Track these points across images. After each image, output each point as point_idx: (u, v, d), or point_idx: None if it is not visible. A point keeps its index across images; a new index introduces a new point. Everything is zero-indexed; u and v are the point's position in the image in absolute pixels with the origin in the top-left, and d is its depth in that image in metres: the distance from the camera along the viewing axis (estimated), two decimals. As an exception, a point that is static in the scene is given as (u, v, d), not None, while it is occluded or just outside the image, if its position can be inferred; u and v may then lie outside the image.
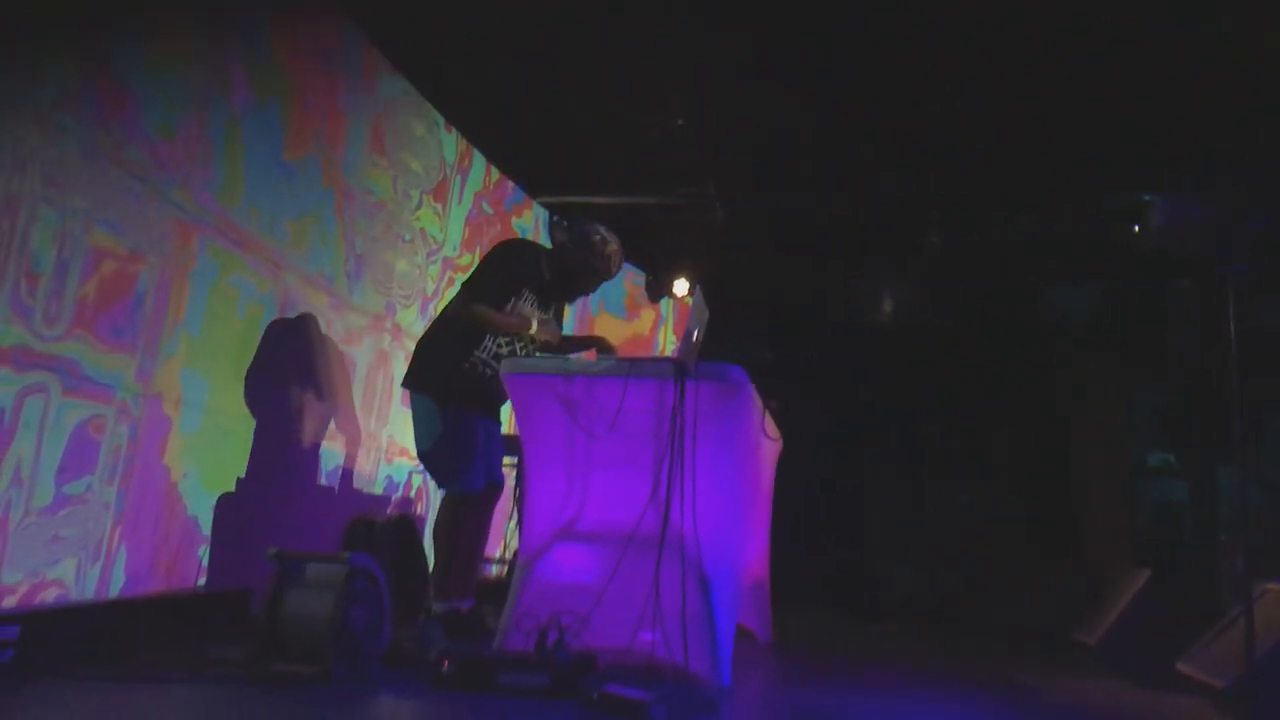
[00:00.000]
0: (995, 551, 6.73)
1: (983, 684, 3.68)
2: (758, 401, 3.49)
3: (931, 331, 7.01)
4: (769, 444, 4.02)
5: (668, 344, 7.38)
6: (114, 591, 2.92)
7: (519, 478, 4.10)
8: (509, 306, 3.54)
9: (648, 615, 2.97)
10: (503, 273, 3.54)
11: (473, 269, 3.70)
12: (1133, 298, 6.35)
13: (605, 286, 3.86)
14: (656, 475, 3.07)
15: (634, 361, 3.19)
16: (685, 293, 6.89)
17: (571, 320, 6.11)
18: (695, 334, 3.31)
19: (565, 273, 3.67)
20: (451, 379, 3.46)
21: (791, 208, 6.16)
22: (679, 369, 3.05)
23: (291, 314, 3.78)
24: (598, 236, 3.63)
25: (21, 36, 2.43)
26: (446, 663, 2.67)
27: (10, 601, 2.54)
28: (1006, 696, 3.42)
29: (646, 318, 7.26)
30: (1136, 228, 5.31)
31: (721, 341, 7.02)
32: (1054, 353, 7.00)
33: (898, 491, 7.15)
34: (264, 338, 3.62)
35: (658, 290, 7.13)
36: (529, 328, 3.50)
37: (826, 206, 6.03)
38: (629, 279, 7.05)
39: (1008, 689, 3.61)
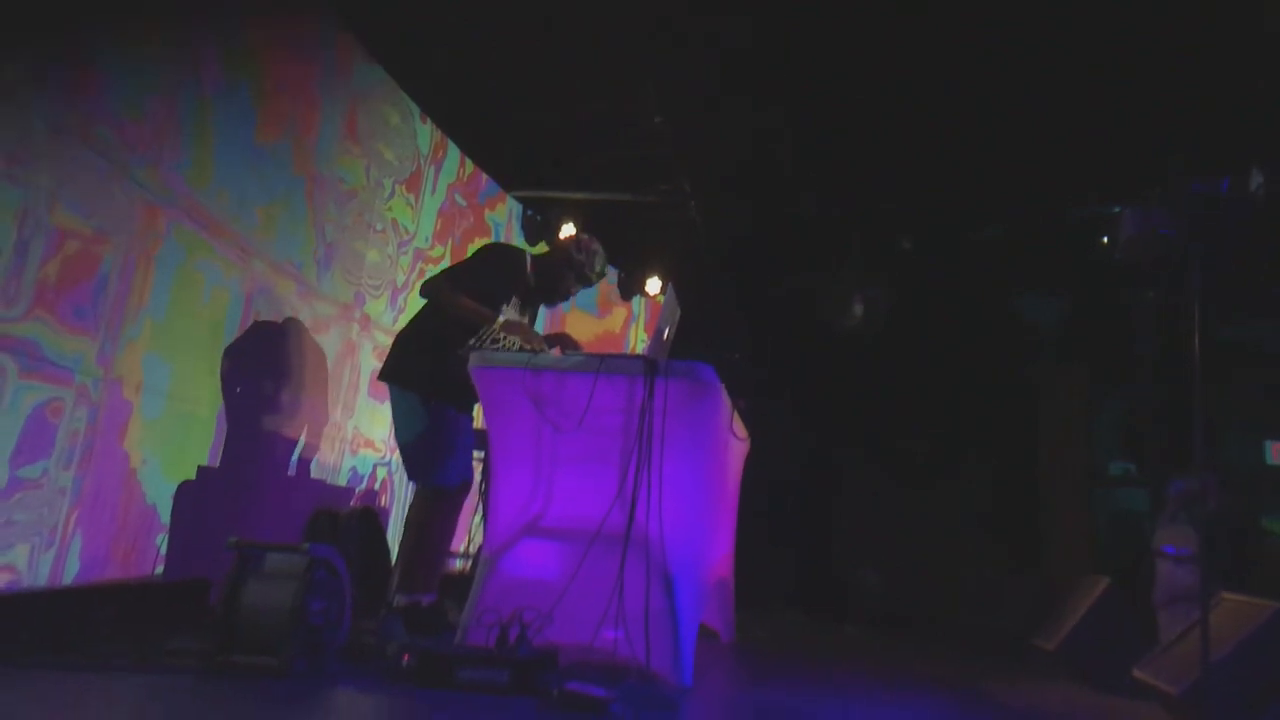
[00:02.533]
0: (962, 556, 6.80)
1: (943, 686, 3.72)
2: (727, 401, 3.49)
3: (903, 336, 7.07)
4: (737, 444, 4.03)
5: (638, 342, 7.38)
6: (68, 579, 2.86)
7: (485, 472, 4.08)
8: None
9: (611, 613, 2.96)
10: (500, 280, 3.56)
11: (465, 267, 3.67)
12: (1099, 307, 6.44)
13: None
14: (623, 473, 3.07)
15: (604, 358, 3.17)
16: (657, 291, 6.89)
17: (542, 316, 6.10)
18: (666, 332, 3.30)
19: (555, 279, 3.73)
20: (436, 375, 3.45)
21: (766, 208, 6.18)
22: (649, 366, 3.05)
23: (258, 301, 3.73)
24: (595, 247, 3.75)
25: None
26: (407, 657, 2.64)
27: (-41, 587, 2.49)
28: (965, 699, 3.46)
29: (618, 315, 7.25)
30: (1105, 239, 5.38)
31: (692, 340, 7.04)
32: (1023, 360, 7.09)
33: (867, 495, 7.20)
34: (229, 324, 3.57)
35: (630, 288, 7.12)
36: (495, 321, 3.47)
37: (801, 208, 6.06)
38: (602, 276, 7.03)
39: (967, 692, 3.65)
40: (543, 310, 4.07)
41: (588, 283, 3.83)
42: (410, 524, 3.56)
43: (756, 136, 5.29)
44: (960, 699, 3.46)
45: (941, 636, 5.70)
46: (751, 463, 4.59)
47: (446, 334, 3.48)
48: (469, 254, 3.82)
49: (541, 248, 6.07)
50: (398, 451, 3.75)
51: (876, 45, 4.41)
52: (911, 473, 7.20)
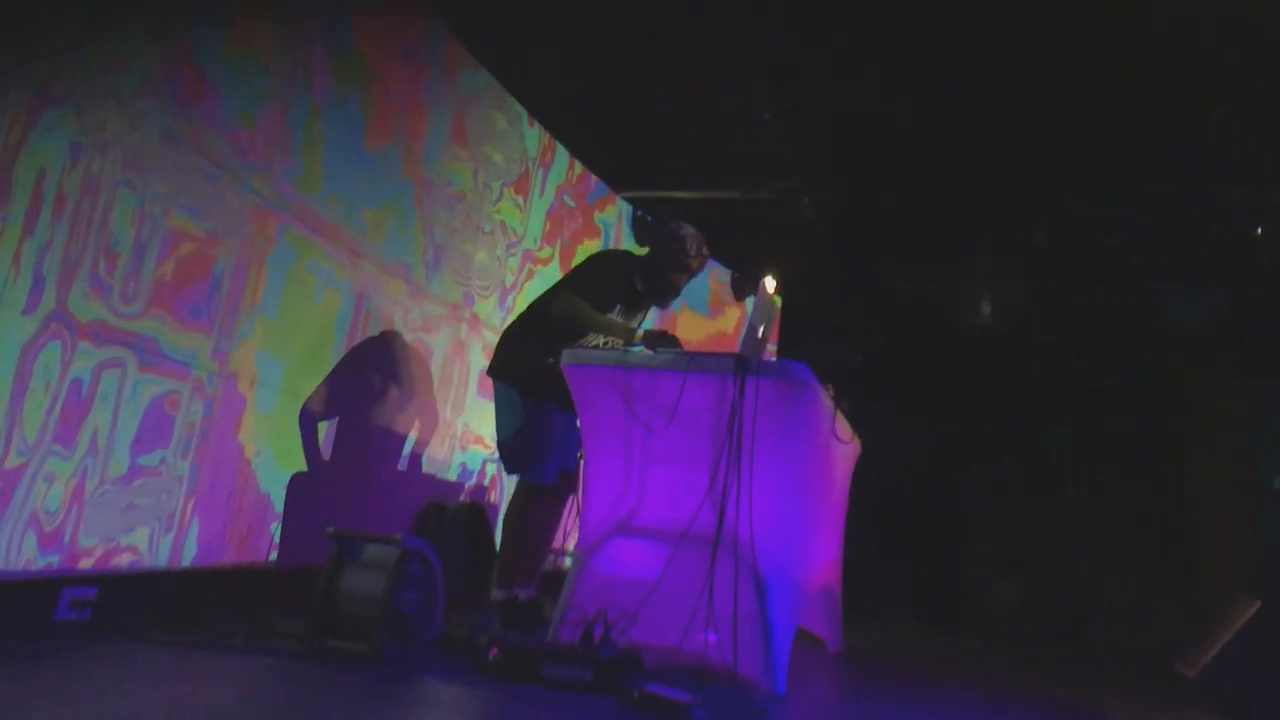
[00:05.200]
0: (1101, 570, 6.37)
1: (1066, 709, 3.47)
2: (826, 401, 3.37)
3: (1041, 333, 6.68)
4: (842, 446, 3.88)
5: (753, 343, 7.25)
6: (186, 561, 3.05)
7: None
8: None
9: (700, 615, 2.91)
10: (605, 283, 3.58)
11: (572, 273, 3.77)
12: (1259, 305, 5.88)
13: (688, 283, 3.84)
14: (714, 473, 3.01)
15: (694, 356, 3.13)
16: (772, 290, 6.74)
17: (652, 315, 6.09)
18: (761, 329, 3.22)
19: (658, 276, 3.69)
20: (536, 373, 3.50)
21: (882, 199, 5.96)
22: (739, 365, 2.98)
23: (368, 301, 3.88)
24: (684, 232, 3.66)
25: (105, 23, 2.55)
26: (494, 651, 2.67)
27: (86, 564, 2.68)
28: (1084, 725, 3.21)
29: (731, 316, 7.16)
30: (1260, 230, 4.91)
31: (809, 342, 6.86)
32: (1171, 363, 6.56)
33: (998, 502, 6.85)
34: (340, 323, 3.72)
35: (743, 288, 7.01)
36: (632, 336, 3.48)
37: (926, 202, 5.82)
38: (714, 276, 6.97)
39: (1092, 717, 3.39)
40: (654, 311, 4.06)
41: (690, 270, 3.72)
42: (507, 519, 3.64)
43: (877, 125, 5.11)
44: (1079, 724, 3.22)
45: (1073, 654, 5.34)
46: (870, 466, 4.42)
47: (550, 332, 3.52)
48: (576, 262, 3.85)
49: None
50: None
51: (1005, 24, 4.16)
52: (1048, 479, 6.79)
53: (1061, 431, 6.83)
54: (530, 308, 3.74)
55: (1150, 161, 4.98)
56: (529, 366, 3.52)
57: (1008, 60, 4.37)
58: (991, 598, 6.50)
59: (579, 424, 3.38)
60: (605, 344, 3.56)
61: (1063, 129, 4.82)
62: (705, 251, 3.73)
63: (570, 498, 3.78)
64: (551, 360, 3.47)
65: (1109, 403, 6.65)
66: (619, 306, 3.63)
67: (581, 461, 4.17)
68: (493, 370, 3.66)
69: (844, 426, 3.77)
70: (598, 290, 3.54)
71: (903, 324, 6.97)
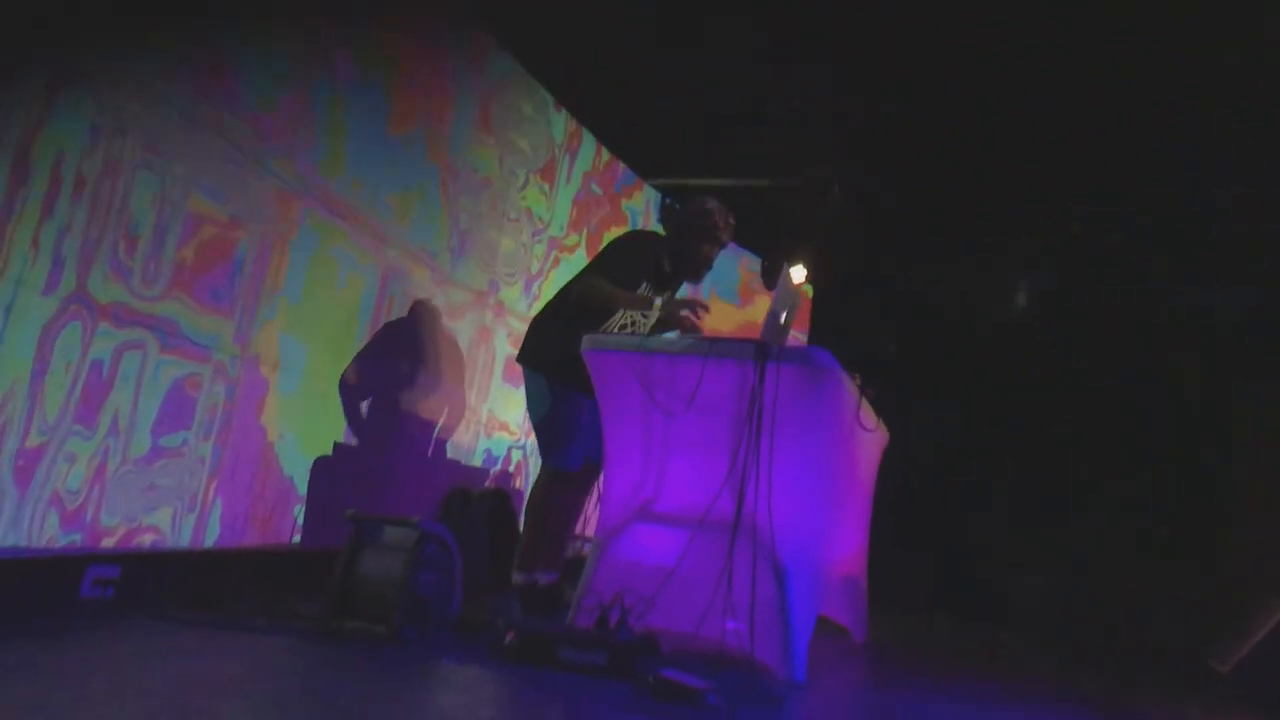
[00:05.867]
0: (1131, 561, 6.23)
1: (1094, 705, 3.39)
2: (850, 389, 3.32)
3: (1065, 326, 6.55)
4: (867, 435, 3.82)
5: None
6: (209, 541, 3.08)
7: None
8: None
9: (719, 601, 2.89)
10: (629, 263, 3.59)
11: (598, 255, 3.79)
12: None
13: (718, 271, 3.86)
14: (733, 459, 2.98)
15: (714, 341, 3.10)
16: (801, 279, 6.66)
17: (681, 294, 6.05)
18: (783, 315, 3.18)
19: (685, 252, 3.70)
20: (563, 359, 3.49)
21: (913, 191, 5.88)
22: (759, 350, 2.94)
23: (392, 286, 3.89)
24: (710, 205, 3.71)
25: (124, 7, 2.57)
26: (511, 634, 2.67)
27: (109, 543, 2.72)
28: (1113, 720, 3.14)
29: (760, 304, 7.09)
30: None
31: (842, 331, 6.78)
32: (1204, 356, 6.39)
33: (1026, 495, 6.72)
34: (364, 307, 3.74)
35: (772, 277, 6.94)
36: (652, 306, 3.50)
37: (951, 192, 5.72)
38: (743, 264, 6.92)
39: (1121, 712, 3.31)
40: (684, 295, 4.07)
41: (720, 241, 3.76)
42: (530, 503, 3.65)
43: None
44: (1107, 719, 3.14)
45: (1104, 649, 5.23)
46: (895, 455, 4.35)
47: (577, 319, 3.51)
48: (603, 246, 3.86)
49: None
50: (533, 435, 3.87)
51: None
52: (1081, 466, 6.65)
53: (1097, 419, 6.68)
54: (557, 294, 3.75)
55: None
56: (555, 352, 3.52)
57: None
58: (1022, 590, 6.39)
59: (600, 409, 3.36)
60: (630, 326, 3.56)
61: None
62: (732, 221, 3.78)
63: (595, 484, 3.78)
64: (579, 347, 3.47)
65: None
66: (646, 285, 3.62)
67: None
68: (521, 357, 3.67)
69: (869, 414, 3.71)
70: (623, 269, 3.54)
71: (928, 312, 6.87)
